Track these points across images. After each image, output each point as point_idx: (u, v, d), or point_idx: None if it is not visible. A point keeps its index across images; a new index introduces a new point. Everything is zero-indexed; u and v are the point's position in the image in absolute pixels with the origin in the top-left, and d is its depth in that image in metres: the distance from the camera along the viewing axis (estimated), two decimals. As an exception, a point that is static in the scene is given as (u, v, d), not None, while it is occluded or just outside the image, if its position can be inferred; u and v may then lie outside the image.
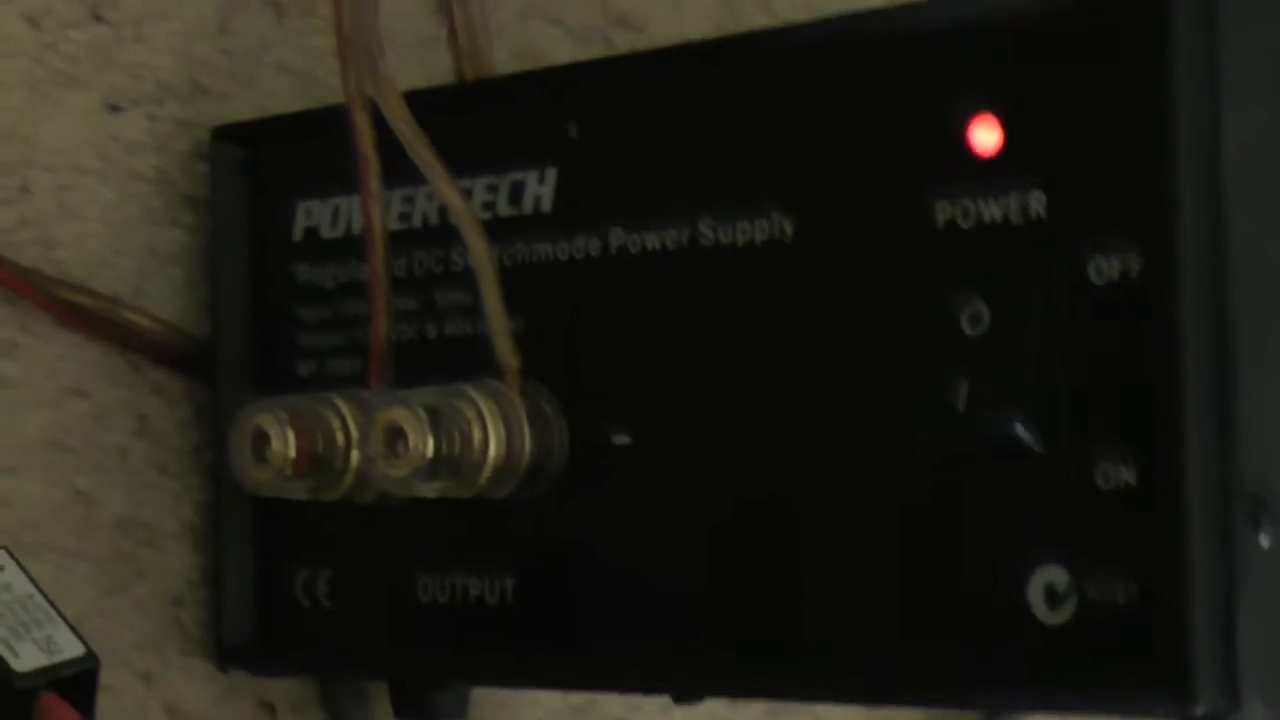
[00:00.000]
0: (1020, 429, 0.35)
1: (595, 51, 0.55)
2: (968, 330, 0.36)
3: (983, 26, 0.36)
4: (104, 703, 0.44)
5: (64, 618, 0.39)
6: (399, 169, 0.42)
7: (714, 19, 0.59)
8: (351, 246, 0.44)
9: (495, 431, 0.40)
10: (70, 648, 0.38)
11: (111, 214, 0.46)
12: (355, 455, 0.41)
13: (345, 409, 0.42)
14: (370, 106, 0.41)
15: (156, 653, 0.46)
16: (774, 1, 0.60)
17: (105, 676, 0.44)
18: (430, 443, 0.39)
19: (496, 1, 0.53)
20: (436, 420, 0.40)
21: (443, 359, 0.43)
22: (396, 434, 0.39)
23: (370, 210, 0.42)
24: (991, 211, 0.36)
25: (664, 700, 0.53)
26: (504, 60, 0.54)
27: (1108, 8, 0.34)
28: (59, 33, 0.46)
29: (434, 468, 0.40)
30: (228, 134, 0.46)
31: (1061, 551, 0.35)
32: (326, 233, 0.45)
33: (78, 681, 0.38)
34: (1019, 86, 0.36)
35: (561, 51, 0.55)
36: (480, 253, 0.41)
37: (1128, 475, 0.34)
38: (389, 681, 0.47)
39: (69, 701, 0.38)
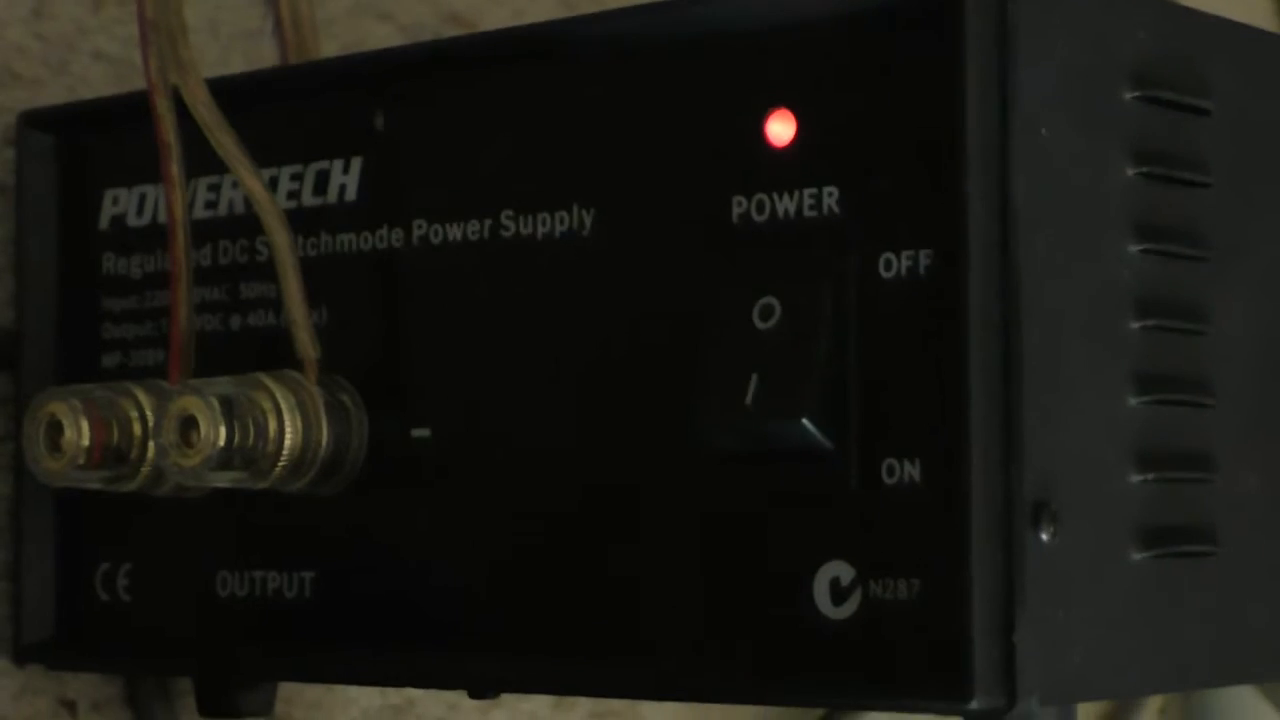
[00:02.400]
0: (807, 424, 0.35)
1: (425, 49, 0.55)
2: (759, 324, 0.35)
3: (783, 19, 0.36)
4: (-106, 698, 0.44)
5: None
6: (206, 157, 0.41)
7: (550, 18, 0.59)
8: (157, 235, 0.44)
9: (291, 422, 0.39)
10: None
11: (-86, 200, 0.45)
12: (151, 446, 0.41)
13: (143, 398, 0.41)
14: (174, 93, 0.41)
15: (-50, 648, 0.45)
16: (610, 4, 0.60)
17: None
18: (223, 432, 0.39)
19: (325, -5, 0.53)
20: (230, 410, 0.39)
21: (248, 351, 0.42)
22: (189, 423, 0.39)
23: (171, 199, 0.41)
24: (786, 206, 0.36)
25: (483, 701, 0.53)
26: (332, 54, 0.53)
27: (902, 4, 0.34)
28: None
29: (226, 457, 0.39)
30: (35, 119, 0.46)
31: (846, 547, 0.35)
32: (133, 221, 0.44)
33: None
34: (816, 80, 0.35)
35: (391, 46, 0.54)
36: (281, 242, 0.40)
37: (913, 472, 0.34)
38: (193, 678, 0.46)
39: None
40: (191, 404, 0.39)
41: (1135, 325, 0.36)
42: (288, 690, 0.49)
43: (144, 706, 0.47)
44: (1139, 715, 0.68)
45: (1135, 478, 0.35)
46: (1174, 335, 0.36)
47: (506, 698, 0.53)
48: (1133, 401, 0.36)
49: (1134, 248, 0.36)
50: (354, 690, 0.51)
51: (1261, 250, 0.38)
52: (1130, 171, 0.36)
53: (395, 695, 0.52)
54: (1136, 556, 0.35)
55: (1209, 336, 0.37)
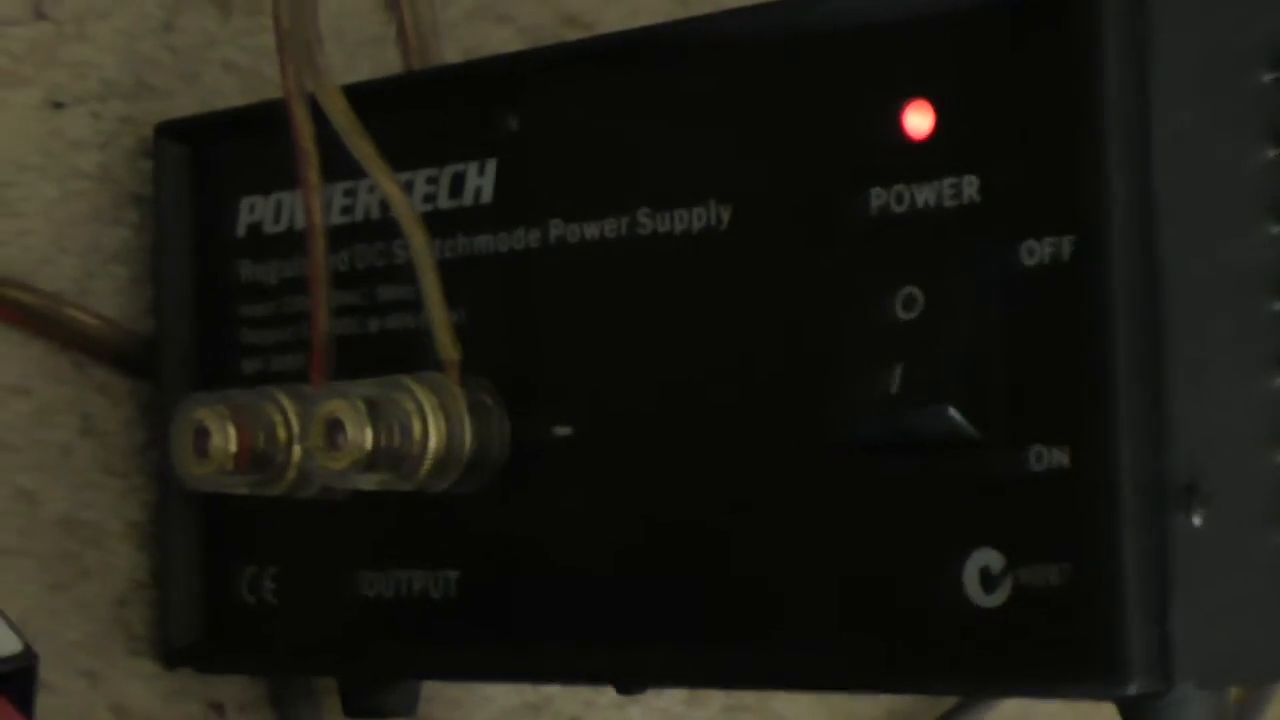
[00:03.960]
0: (954, 413, 0.35)
1: (545, 50, 0.55)
2: (901, 316, 0.36)
3: (916, 10, 0.36)
4: (48, 702, 0.44)
5: (2, 615, 0.39)
6: (341, 163, 0.42)
7: (667, 16, 0.59)
8: (294, 242, 0.44)
9: (435, 424, 0.40)
10: (7, 644, 0.38)
11: (54, 211, 0.46)
12: (297, 450, 0.41)
13: (286, 403, 0.42)
14: (309, 100, 0.41)
15: (101, 652, 0.45)
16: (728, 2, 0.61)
17: (49, 676, 0.44)
18: (369, 435, 0.39)
19: (445, 0, 0.53)
20: (375, 412, 0.39)
21: (386, 353, 0.43)
22: (335, 426, 0.39)
23: (310, 204, 0.42)
24: (925, 196, 0.36)
25: (616, 697, 0.53)
26: (453, 59, 0.54)
27: (1037, -9, 0.35)
28: (0, 30, 0.46)
29: (373, 460, 0.39)
30: (170, 130, 0.46)
31: (996, 535, 0.35)
32: (269, 228, 0.45)
33: (15, 678, 0.38)
34: (952, 70, 0.36)
35: (512, 49, 0.55)
36: (419, 244, 0.41)
37: (1061, 458, 0.34)
38: (338, 679, 0.47)
39: (7, 698, 0.38)
40: (337, 407, 0.39)
41: (1276, 305, 0.35)
42: (428, 689, 0.49)
43: (289, 707, 0.48)
44: (1270, 699, 0.67)
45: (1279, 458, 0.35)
46: (1315, 315, 0.36)
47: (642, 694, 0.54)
48: (1276, 381, 0.35)
49: (1275, 228, 0.36)
50: (492, 688, 0.51)
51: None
52: (1271, 152, 0.36)
53: (532, 693, 0.52)
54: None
55: (1351, 315, 0.37)
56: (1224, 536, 0.34)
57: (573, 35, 0.57)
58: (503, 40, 0.55)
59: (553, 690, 0.52)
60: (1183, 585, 0.33)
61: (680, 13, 0.59)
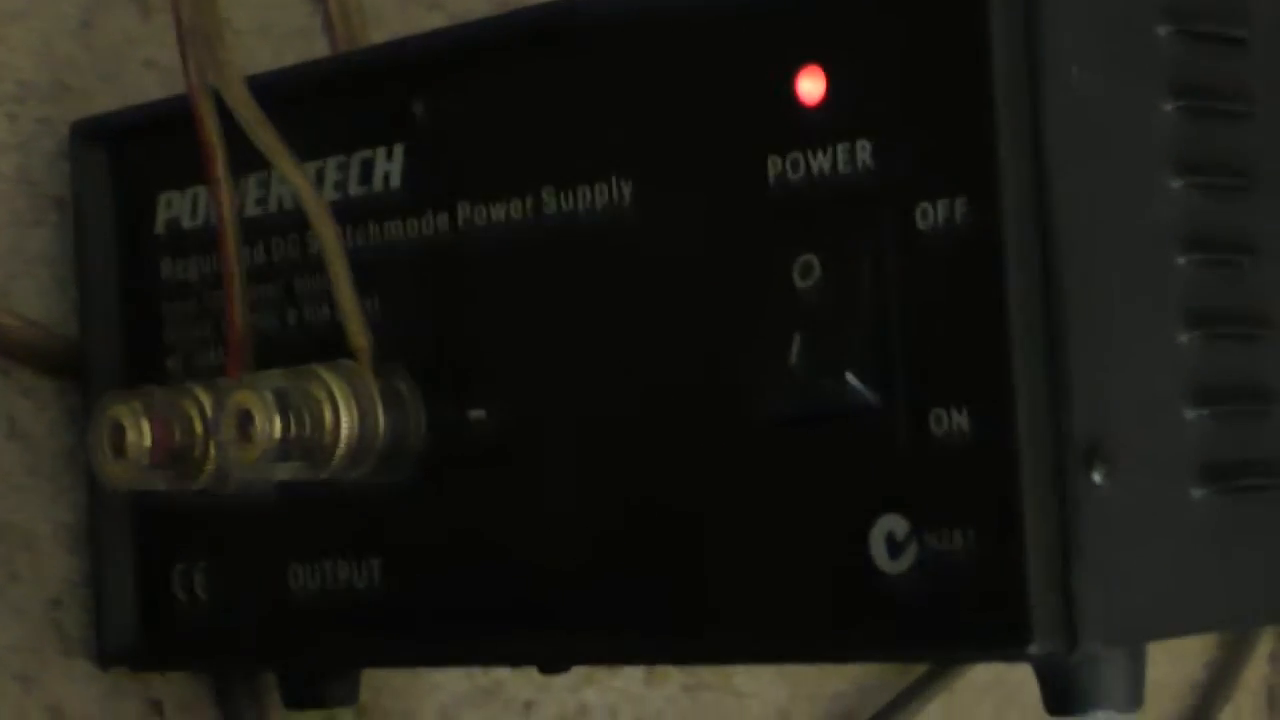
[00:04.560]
0: (852, 380, 0.35)
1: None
2: (799, 284, 0.35)
3: (804, -23, 0.36)
4: (-18, 706, 0.44)
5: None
6: (254, 154, 0.41)
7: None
8: (212, 236, 0.44)
9: (346, 412, 0.40)
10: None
11: (-28, 216, 0.46)
12: (213, 443, 0.41)
13: (202, 396, 0.41)
14: (214, 94, 0.41)
15: (35, 655, 0.45)
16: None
17: (-18, 680, 0.44)
18: (278, 424, 0.39)
19: (374, -12, 0.53)
20: (285, 402, 0.39)
21: (306, 346, 0.42)
22: (245, 418, 0.39)
23: (219, 198, 0.41)
24: (821, 163, 0.36)
25: (572, 679, 0.53)
26: (380, 46, 0.53)
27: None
28: (-89, 36, 0.46)
29: (285, 450, 0.39)
30: (86, 129, 0.46)
31: (900, 500, 0.34)
32: (187, 223, 0.45)
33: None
34: (842, 35, 0.35)
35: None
36: (326, 233, 0.40)
37: (961, 422, 0.34)
38: (274, 672, 0.47)
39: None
40: (246, 398, 0.39)
41: (1181, 260, 0.35)
42: (375, 678, 0.49)
43: (231, 703, 0.47)
44: (1249, 659, 0.67)
45: (1190, 414, 0.35)
46: (1221, 268, 0.36)
47: (598, 674, 0.53)
48: (1183, 338, 0.35)
49: (1176, 183, 0.35)
50: (441, 675, 0.51)
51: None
52: (1168, 106, 0.36)
53: (483, 678, 0.52)
54: (1196, 494, 0.35)
55: (1258, 267, 0.36)
56: (1132, 495, 0.34)
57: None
58: (434, 26, 0.55)
59: (504, 674, 0.52)
60: (1087, 546, 0.33)
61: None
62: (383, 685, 0.50)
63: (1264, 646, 0.67)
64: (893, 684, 0.57)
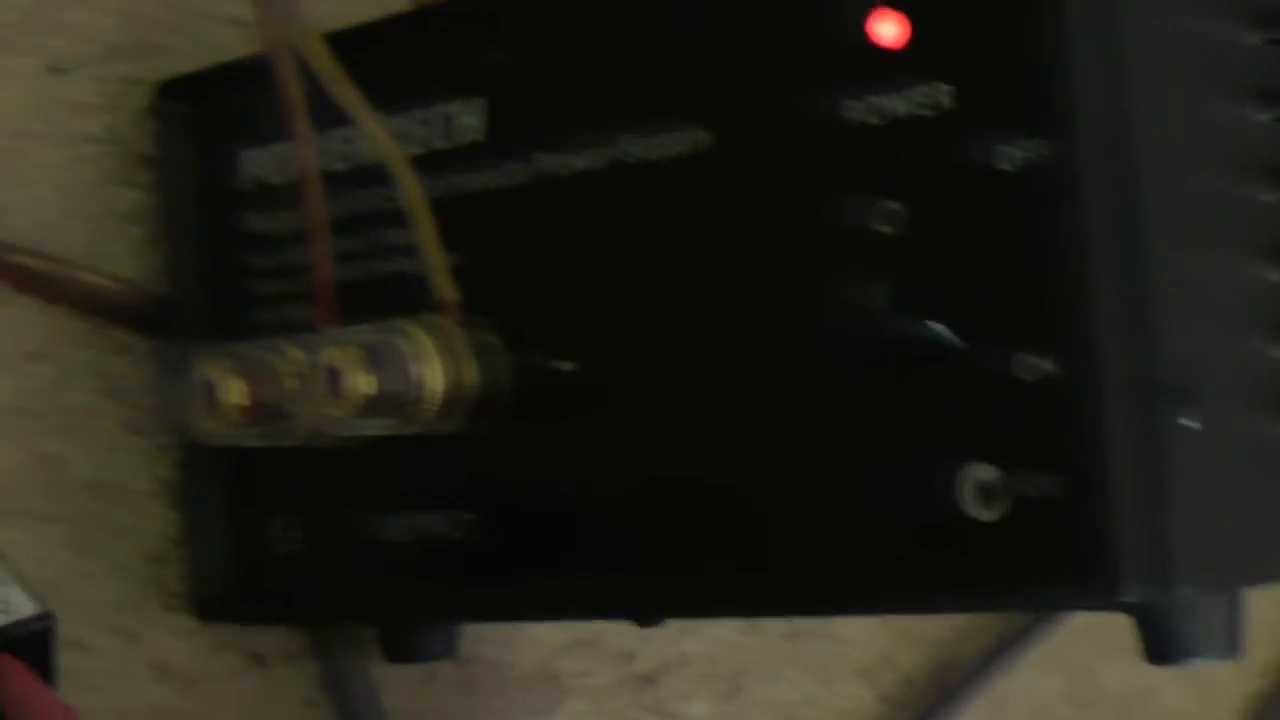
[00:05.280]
0: (938, 326, 0.34)
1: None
2: (881, 229, 0.35)
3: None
4: (87, 664, 0.45)
5: (19, 578, 0.39)
6: (337, 109, 0.41)
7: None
8: (296, 191, 0.44)
9: (435, 365, 0.40)
10: (23, 607, 0.39)
11: (63, 177, 0.46)
12: (304, 399, 0.41)
13: (293, 352, 0.41)
14: (293, 50, 0.41)
15: (137, 611, 0.46)
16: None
17: (86, 637, 0.45)
18: (368, 380, 0.39)
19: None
20: (374, 357, 0.39)
21: (392, 297, 0.42)
22: (334, 374, 0.39)
23: (302, 154, 0.42)
24: (899, 107, 0.35)
25: (671, 629, 0.53)
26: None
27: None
28: (-3, 0, 0.46)
29: (375, 405, 0.39)
30: (171, 88, 0.46)
31: (990, 448, 0.34)
32: (273, 179, 0.45)
33: (32, 641, 0.39)
34: (918, -24, 0.35)
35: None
36: (410, 188, 0.41)
37: (1047, 366, 0.33)
38: (375, 625, 0.47)
39: (26, 662, 0.38)
40: (335, 355, 0.39)
41: (1267, 196, 0.35)
42: (474, 630, 0.50)
43: (331, 656, 0.48)
44: None
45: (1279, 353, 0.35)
46: (1312, 203, 0.35)
47: (698, 624, 0.53)
48: (1272, 275, 0.35)
49: (1262, 115, 0.35)
50: (540, 627, 0.51)
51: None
52: (1255, 39, 0.35)
53: (582, 630, 0.52)
54: (1287, 433, 0.35)
55: (1350, 201, 0.36)
56: (1223, 436, 0.34)
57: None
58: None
59: (603, 626, 0.52)
60: (1178, 488, 0.33)
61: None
62: (482, 637, 0.50)
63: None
64: (993, 629, 0.57)
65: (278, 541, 0.45)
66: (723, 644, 0.54)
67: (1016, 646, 0.57)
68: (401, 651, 0.47)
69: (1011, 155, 0.34)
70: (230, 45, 0.49)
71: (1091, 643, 0.59)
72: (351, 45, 0.41)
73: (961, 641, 0.57)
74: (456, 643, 0.47)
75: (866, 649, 0.56)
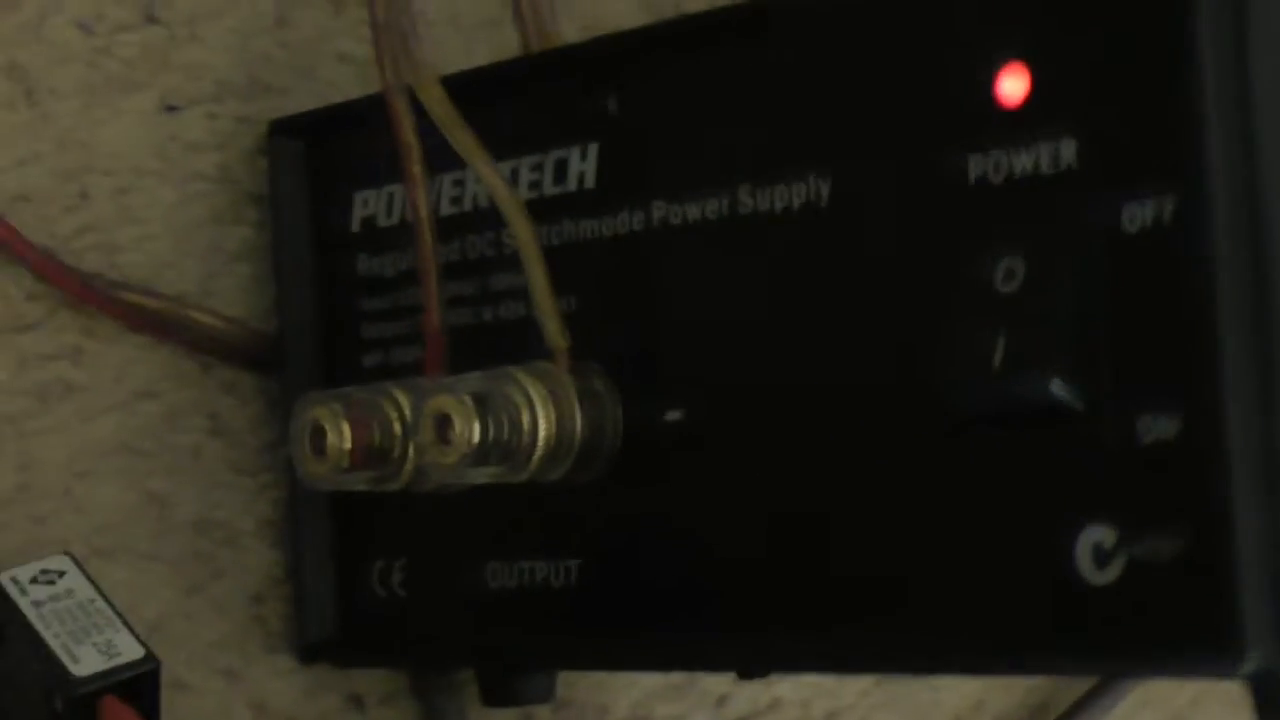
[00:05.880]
0: (1059, 386, 0.34)
1: (667, 21, 0.54)
2: (1002, 288, 0.35)
3: (1005, -28, 0.35)
4: (188, 703, 0.45)
5: (125, 621, 0.39)
6: (448, 153, 0.41)
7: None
8: (407, 234, 0.44)
9: (544, 414, 0.40)
10: (130, 651, 0.39)
11: (174, 215, 0.46)
12: (411, 445, 0.41)
13: (401, 398, 0.41)
14: (409, 93, 0.41)
15: (239, 651, 0.46)
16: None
17: (188, 677, 0.45)
18: (477, 428, 0.39)
19: (564, -24, 0.53)
20: (483, 406, 0.39)
21: (500, 342, 0.42)
22: (444, 422, 0.39)
23: (415, 198, 0.42)
24: (1023, 163, 0.35)
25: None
26: (573, 35, 0.53)
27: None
28: (112, 37, 0.46)
29: (483, 454, 0.39)
30: (283, 128, 0.46)
31: (1107, 510, 0.34)
32: (383, 221, 0.45)
33: (138, 683, 0.39)
34: (1043, 32, 0.34)
35: (632, 22, 0.54)
36: (523, 234, 0.40)
37: (1170, 429, 0.33)
38: (474, 669, 0.47)
39: (131, 704, 0.38)
40: (445, 403, 0.39)
41: (1399, 260, 0.34)
42: (571, 673, 0.49)
43: (430, 698, 0.48)
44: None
45: None
46: None
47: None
48: (1402, 340, 0.34)
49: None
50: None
51: None
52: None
53: (677, 674, 0.52)
54: None
55: None
56: (1348, 502, 0.33)
57: (694, 6, 0.56)
58: (622, 13, 0.55)
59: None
60: (1302, 555, 0.32)
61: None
62: (578, 680, 0.50)
63: None
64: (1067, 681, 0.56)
65: (380, 585, 0.45)
66: (815, 689, 0.54)
67: (1112, 691, 0.56)
68: (499, 695, 0.47)
69: (1138, 214, 0.33)
70: (341, 83, 0.49)
71: (1188, 689, 0.58)
72: (466, 89, 0.41)
73: (1056, 685, 0.56)
74: (554, 687, 0.47)
75: (960, 694, 0.55)
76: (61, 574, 0.40)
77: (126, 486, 0.45)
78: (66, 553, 0.40)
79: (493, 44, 0.51)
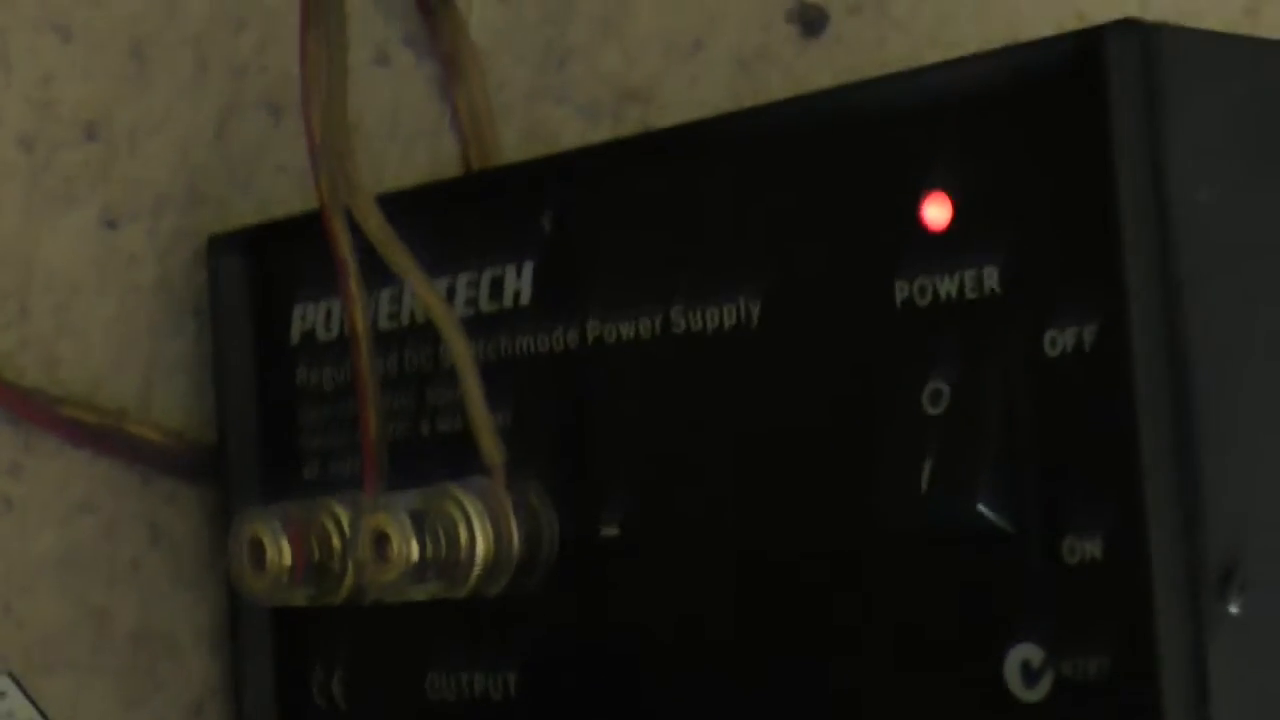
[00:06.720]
0: (984, 508, 0.34)
1: (604, 129, 0.55)
2: (929, 410, 0.35)
3: (927, 102, 0.36)
4: (128, 814, 0.45)
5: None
6: (386, 268, 0.42)
7: (730, 89, 0.59)
8: (346, 347, 0.44)
9: (482, 530, 0.40)
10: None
11: (113, 328, 0.47)
12: (351, 561, 0.42)
13: (340, 513, 0.42)
14: (345, 211, 0.42)
15: (179, 761, 0.46)
16: (795, 67, 0.60)
17: (128, 788, 0.45)
18: (415, 546, 0.39)
19: (501, 84, 0.53)
20: (421, 523, 0.40)
21: (438, 454, 0.43)
22: (382, 539, 0.40)
23: (353, 314, 0.42)
24: (947, 287, 0.36)
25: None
26: (512, 142, 0.54)
27: (1043, 83, 0.34)
28: (52, 154, 0.46)
29: (421, 571, 0.40)
30: (222, 241, 0.47)
31: (1034, 628, 0.34)
32: (322, 335, 0.45)
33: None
34: (965, 162, 0.35)
35: (570, 130, 0.55)
36: (459, 350, 0.41)
37: (1094, 550, 0.34)
38: (415, 777, 0.47)
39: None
40: (383, 521, 0.40)
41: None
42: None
43: (371, 805, 0.48)
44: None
45: (1327, 537, 0.35)
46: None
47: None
48: (1320, 459, 0.35)
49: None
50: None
51: None
52: (1301, 221, 0.35)
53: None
54: (1334, 617, 0.35)
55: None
56: (1271, 620, 0.34)
57: (633, 111, 0.57)
58: (561, 120, 0.55)
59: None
60: (1224, 673, 0.33)
61: (742, 80, 0.59)
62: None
63: None
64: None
65: (321, 695, 0.45)
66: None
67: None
68: (442, 803, 0.47)
69: (1059, 340, 0.34)
70: (279, 193, 0.50)
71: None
72: (403, 206, 0.42)
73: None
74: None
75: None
76: (2, 695, 0.40)
77: (67, 600, 0.45)
78: (8, 673, 0.41)
79: (431, 153, 0.52)
